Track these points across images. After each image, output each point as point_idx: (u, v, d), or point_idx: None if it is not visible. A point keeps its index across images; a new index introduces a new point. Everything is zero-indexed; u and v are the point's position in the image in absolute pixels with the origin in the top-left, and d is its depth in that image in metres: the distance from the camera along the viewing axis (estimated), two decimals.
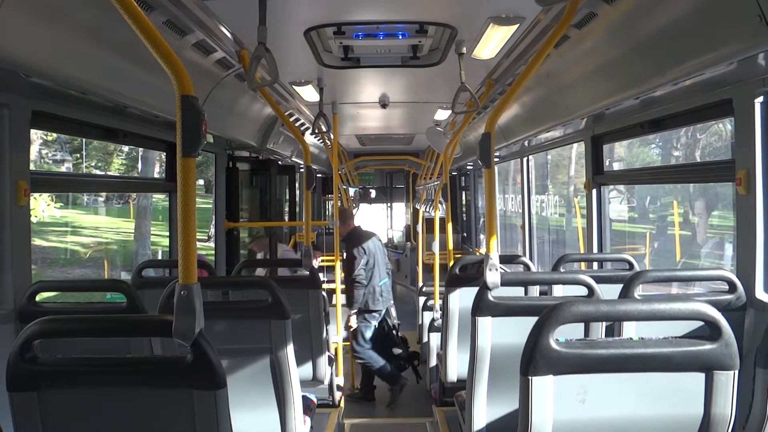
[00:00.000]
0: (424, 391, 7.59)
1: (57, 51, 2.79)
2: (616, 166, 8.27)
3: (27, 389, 1.96)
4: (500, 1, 3.26)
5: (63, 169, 14.80)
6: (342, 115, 7.17)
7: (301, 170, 8.96)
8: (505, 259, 4.28)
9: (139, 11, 1.87)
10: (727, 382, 1.96)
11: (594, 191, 5.04)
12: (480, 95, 5.35)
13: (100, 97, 3.44)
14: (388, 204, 16.66)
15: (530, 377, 1.97)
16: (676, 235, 8.78)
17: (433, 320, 6.97)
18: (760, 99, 2.93)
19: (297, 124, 7.20)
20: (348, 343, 7.59)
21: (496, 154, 7.61)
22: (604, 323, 3.09)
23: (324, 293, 4.76)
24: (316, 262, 6.29)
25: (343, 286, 7.20)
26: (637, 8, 2.98)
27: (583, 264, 4.84)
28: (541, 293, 3.72)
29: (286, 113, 6.42)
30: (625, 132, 4.60)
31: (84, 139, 13.71)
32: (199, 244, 2.01)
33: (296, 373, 3.23)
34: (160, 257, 12.33)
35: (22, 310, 3.05)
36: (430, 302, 7.46)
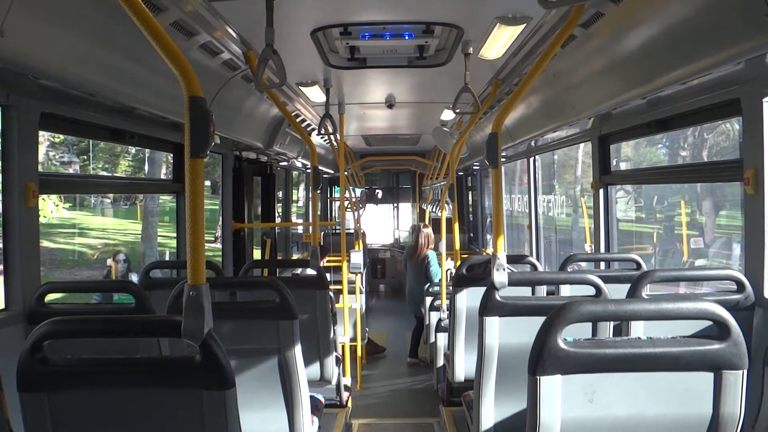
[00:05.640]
0: (432, 391, 7.59)
1: (65, 53, 2.81)
2: (623, 166, 8.24)
3: (37, 390, 1.97)
4: (507, 1, 3.26)
5: (70, 171, 14.83)
6: (348, 116, 7.16)
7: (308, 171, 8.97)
8: (512, 259, 4.27)
9: (146, 13, 1.87)
10: (736, 381, 1.96)
11: (601, 191, 5.03)
12: (486, 95, 5.34)
13: (108, 99, 3.45)
14: (395, 204, 16.65)
15: (538, 377, 1.97)
16: (684, 235, 8.74)
17: (440, 320, 6.96)
18: None
19: (303, 125, 7.21)
20: (355, 344, 7.59)
21: (503, 154, 7.60)
22: (611, 323, 3.09)
23: (331, 293, 4.76)
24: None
25: (350, 286, 7.23)
26: (644, 7, 2.97)
27: (590, 264, 4.84)
28: (548, 293, 3.71)
29: (293, 114, 6.43)
30: (632, 132, 4.59)
31: (91, 141, 13.74)
32: (206, 246, 2.01)
33: (304, 373, 3.23)
34: (167, 258, 12.35)
35: (31, 311, 3.06)
36: (437, 302, 7.45)
